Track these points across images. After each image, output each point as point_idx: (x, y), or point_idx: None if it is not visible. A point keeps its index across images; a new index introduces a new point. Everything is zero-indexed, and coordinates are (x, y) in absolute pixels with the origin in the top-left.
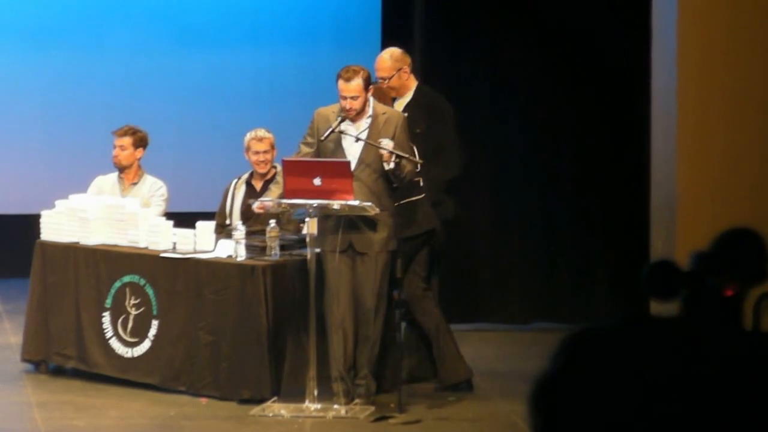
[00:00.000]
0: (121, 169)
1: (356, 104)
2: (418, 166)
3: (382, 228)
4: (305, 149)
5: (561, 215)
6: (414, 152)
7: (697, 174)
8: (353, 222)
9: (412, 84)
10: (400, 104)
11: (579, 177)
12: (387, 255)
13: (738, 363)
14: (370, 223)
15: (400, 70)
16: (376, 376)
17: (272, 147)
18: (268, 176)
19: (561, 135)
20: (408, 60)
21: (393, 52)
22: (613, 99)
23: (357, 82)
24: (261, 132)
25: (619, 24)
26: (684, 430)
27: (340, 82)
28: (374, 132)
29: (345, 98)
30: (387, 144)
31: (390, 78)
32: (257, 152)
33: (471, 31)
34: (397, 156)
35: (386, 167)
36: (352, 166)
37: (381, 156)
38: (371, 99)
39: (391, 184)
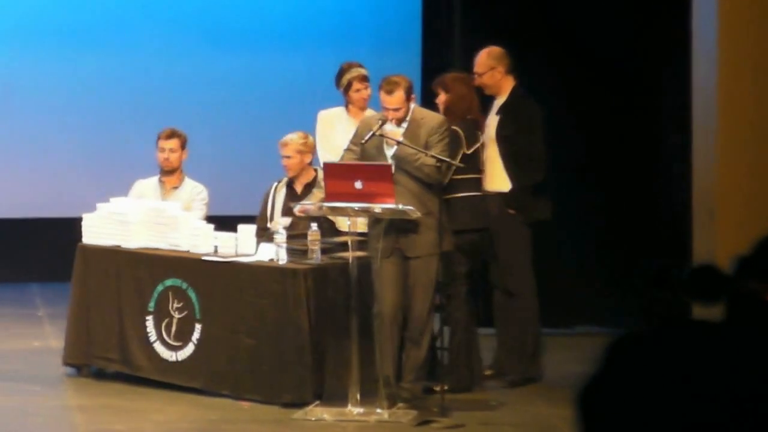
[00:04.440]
0: (168, 172)
1: (399, 115)
2: (447, 166)
3: (428, 230)
4: (348, 156)
5: (601, 219)
6: (445, 155)
7: (739, 178)
8: (400, 226)
9: (508, 85)
10: (495, 105)
11: (619, 180)
12: (437, 258)
13: None
14: (416, 226)
15: (493, 69)
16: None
17: (298, 152)
18: (309, 179)
19: (597, 138)
20: (506, 61)
21: (492, 50)
22: (651, 103)
23: (399, 94)
24: (287, 137)
25: (659, 29)
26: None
27: (382, 95)
28: (409, 136)
29: (387, 110)
30: (392, 130)
31: (483, 74)
32: (282, 157)
33: (510, 32)
34: (412, 149)
35: (388, 152)
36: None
37: (415, 159)
38: (412, 105)
39: (431, 186)
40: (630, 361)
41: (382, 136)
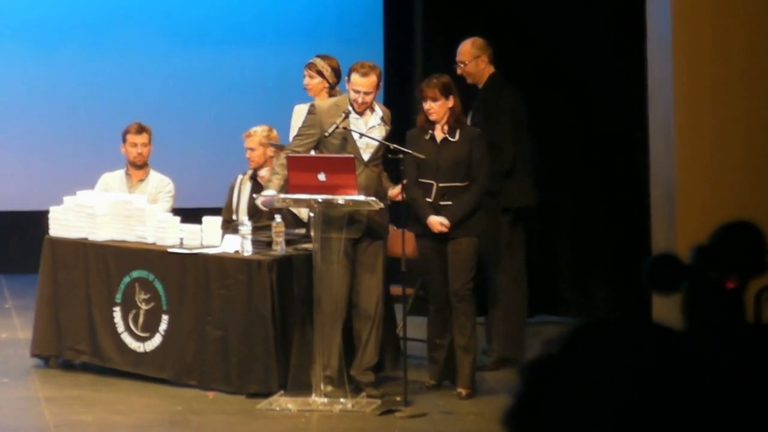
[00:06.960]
0: (139, 166)
1: (369, 99)
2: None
3: (382, 217)
4: (297, 142)
5: (561, 208)
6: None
7: (697, 167)
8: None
9: (488, 75)
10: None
11: (578, 170)
12: (385, 244)
13: (740, 356)
14: (370, 213)
15: (478, 58)
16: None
17: (261, 144)
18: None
19: (558, 132)
20: (489, 51)
21: (476, 40)
22: (611, 95)
23: (372, 79)
24: (252, 129)
25: (617, 22)
26: (685, 425)
27: (355, 77)
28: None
29: (358, 92)
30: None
31: (467, 63)
32: (246, 149)
33: (471, 28)
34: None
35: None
36: (366, 158)
37: (378, 151)
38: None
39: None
40: (581, 353)
41: (345, 128)
